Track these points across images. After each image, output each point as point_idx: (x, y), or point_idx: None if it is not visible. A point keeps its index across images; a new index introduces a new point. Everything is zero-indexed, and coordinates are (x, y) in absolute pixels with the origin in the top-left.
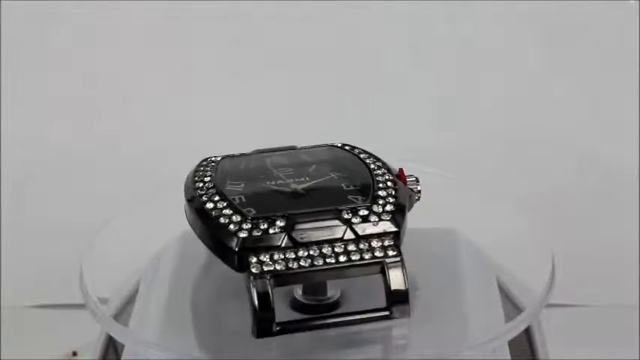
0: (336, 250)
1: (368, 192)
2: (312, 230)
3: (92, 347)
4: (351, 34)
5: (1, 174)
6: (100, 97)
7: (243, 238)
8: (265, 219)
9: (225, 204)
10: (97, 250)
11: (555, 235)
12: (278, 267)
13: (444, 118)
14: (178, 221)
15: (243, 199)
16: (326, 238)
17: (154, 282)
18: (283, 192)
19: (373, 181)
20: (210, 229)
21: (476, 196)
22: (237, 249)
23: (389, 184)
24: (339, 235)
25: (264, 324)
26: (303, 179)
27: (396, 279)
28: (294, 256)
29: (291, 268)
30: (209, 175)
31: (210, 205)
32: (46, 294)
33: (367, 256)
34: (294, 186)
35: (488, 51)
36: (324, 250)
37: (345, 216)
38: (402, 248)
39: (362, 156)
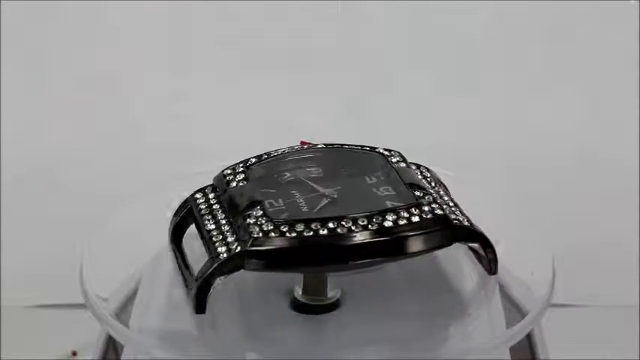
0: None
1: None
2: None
3: (92, 347)
4: (351, 34)
5: (1, 174)
6: (100, 97)
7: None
8: (416, 202)
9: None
10: (96, 250)
11: (555, 235)
12: None
13: (444, 117)
14: None
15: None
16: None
17: (154, 282)
18: (328, 199)
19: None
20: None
21: (476, 196)
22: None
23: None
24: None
25: None
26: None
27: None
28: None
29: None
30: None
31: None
32: (46, 294)
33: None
34: (325, 191)
35: (488, 51)
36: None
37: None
38: None
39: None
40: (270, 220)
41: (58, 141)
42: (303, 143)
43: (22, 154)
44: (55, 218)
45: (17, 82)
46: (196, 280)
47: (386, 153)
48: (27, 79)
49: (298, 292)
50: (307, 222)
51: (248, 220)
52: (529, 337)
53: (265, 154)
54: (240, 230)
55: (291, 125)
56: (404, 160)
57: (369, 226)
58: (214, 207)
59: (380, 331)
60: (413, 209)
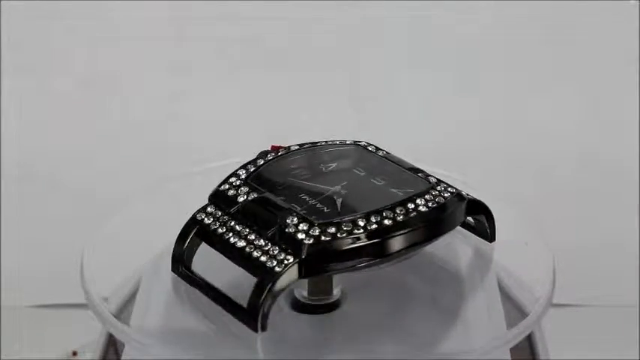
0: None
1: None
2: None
3: (92, 347)
4: (351, 34)
5: (1, 174)
6: (100, 97)
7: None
8: (430, 185)
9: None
10: (97, 250)
11: (555, 235)
12: None
13: (444, 118)
14: (178, 220)
15: (340, 202)
16: None
17: (154, 281)
18: (341, 197)
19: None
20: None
21: (476, 196)
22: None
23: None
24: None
25: None
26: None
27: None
28: None
29: None
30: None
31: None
32: (46, 294)
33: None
34: (334, 189)
35: (488, 51)
36: None
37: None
38: None
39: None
40: (312, 224)
41: (58, 141)
42: (273, 148)
43: (22, 154)
44: (55, 218)
45: (17, 82)
46: (254, 299)
47: (361, 144)
48: (27, 79)
49: (299, 292)
50: (353, 221)
51: (288, 229)
52: (529, 337)
53: (249, 163)
54: (281, 241)
55: (291, 125)
56: (378, 148)
57: (410, 214)
58: (230, 223)
59: (380, 330)
60: (432, 191)
